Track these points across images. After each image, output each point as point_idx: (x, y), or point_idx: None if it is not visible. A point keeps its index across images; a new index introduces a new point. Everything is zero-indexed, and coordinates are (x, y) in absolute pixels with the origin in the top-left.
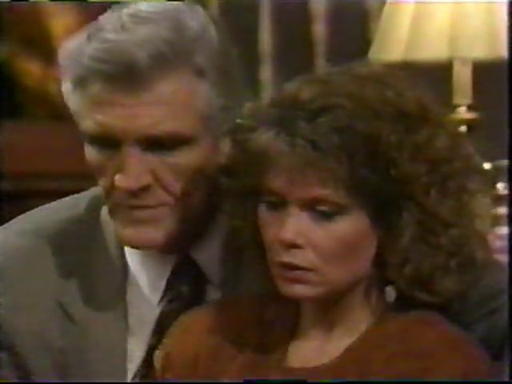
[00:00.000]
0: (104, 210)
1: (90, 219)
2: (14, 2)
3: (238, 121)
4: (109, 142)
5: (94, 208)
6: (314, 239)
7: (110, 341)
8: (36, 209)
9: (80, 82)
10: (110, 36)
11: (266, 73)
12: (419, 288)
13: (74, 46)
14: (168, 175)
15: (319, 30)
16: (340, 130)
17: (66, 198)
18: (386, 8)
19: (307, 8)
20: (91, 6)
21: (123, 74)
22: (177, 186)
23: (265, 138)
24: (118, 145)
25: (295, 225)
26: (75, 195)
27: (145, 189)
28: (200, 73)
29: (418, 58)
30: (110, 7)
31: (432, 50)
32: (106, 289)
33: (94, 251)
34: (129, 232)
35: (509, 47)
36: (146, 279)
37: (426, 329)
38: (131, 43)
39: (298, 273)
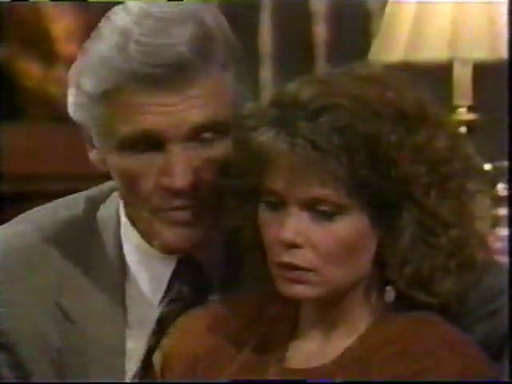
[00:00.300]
0: (101, 211)
1: (87, 220)
2: (14, 4)
3: (239, 120)
4: (151, 144)
5: (90, 209)
6: (313, 239)
7: (109, 341)
8: (34, 209)
9: (116, 90)
10: (148, 40)
11: (266, 73)
12: (419, 288)
13: (104, 55)
14: (206, 171)
15: (319, 30)
16: (340, 129)
17: (63, 199)
18: (387, 9)
19: (307, 9)
20: (91, 8)
21: (172, 74)
22: (211, 183)
23: (265, 137)
24: (161, 146)
25: (295, 224)
26: (71, 195)
27: (190, 188)
28: (224, 66)
29: (418, 58)
30: (110, 9)
31: (432, 51)
32: (105, 289)
33: (91, 252)
34: (170, 235)
35: (509, 48)
36: (146, 279)
37: (425, 329)
38: (176, 43)
39: (297, 273)
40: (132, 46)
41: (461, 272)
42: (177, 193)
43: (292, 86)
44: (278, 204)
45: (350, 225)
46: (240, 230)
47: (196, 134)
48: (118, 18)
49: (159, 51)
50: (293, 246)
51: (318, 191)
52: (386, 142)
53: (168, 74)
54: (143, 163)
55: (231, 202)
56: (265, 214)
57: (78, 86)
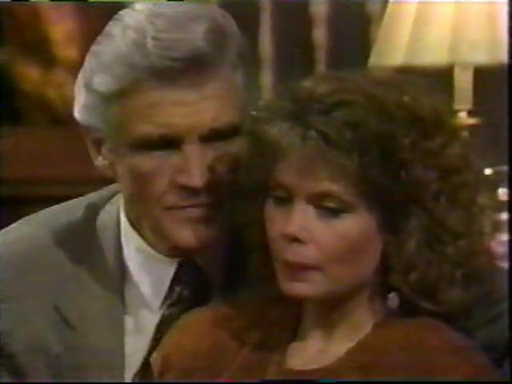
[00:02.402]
0: (101, 216)
1: (86, 224)
2: (13, 8)
3: (253, 112)
4: (168, 142)
5: (90, 214)
6: (317, 235)
7: (108, 346)
8: (33, 214)
9: (133, 87)
10: (164, 35)
11: (266, 78)
12: (424, 296)
13: (120, 53)
14: (220, 170)
15: (319, 35)
16: (354, 125)
17: (63, 204)
18: (387, 12)
19: (308, 13)
20: (91, 12)
21: (189, 68)
22: (225, 181)
23: (278, 130)
24: (178, 144)
25: (300, 219)
26: (71, 201)
27: (204, 186)
28: (234, 66)
29: (418, 62)
30: (110, 14)
31: (433, 55)
32: (104, 293)
33: (91, 256)
34: (181, 233)
35: (509, 52)
36: (147, 283)
37: (428, 335)
38: (192, 38)
39: (300, 271)
40: (149, 42)
41: (467, 283)
42: (193, 191)
43: (308, 81)
44: (286, 199)
45: (356, 224)
46: (246, 229)
47: (212, 135)
48: (129, 18)
49: (176, 45)
50: (296, 240)
51: (327, 186)
52: (398, 143)
53: (185, 68)
54: (158, 162)
55: (240, 199)
56: (271, 209)
57: (90, 88)
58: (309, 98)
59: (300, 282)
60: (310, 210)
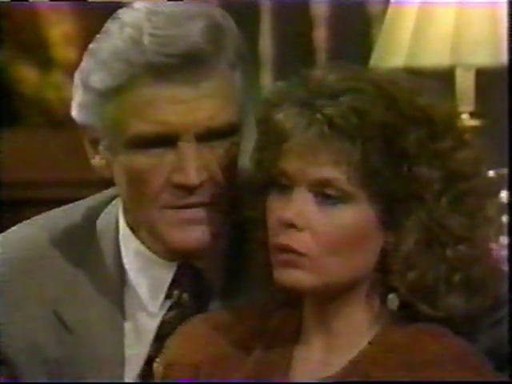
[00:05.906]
0: (100, 219)
1: (86, 228)
2: (11, 9)
3: (265, 97)
4: (164, 140)
5: (90, 217)
6: (314, 223)
7: (108, 350)
8: (32, 218)
9: (129, 84)
10: (161, 32)
11: (266, 78)
12: (422, 299)
13: (117, 49)
14: (218, 169)
15: (320, 35)
16: (359, 112)
17: (63, 207)
18: (388, 14)
19: (308, 13)
20: (89, 13)
21: (186, 65)
22: (223, 182)
23: (285, 114)
24: (174, 142)
25: (298, 206)
26: (72, 204)
27: (201, 185)
28: (233, 64)
29: (420, 64)
30: (109, 15)
31: (434, 57)
32: (103, 297)
33: (90, 260)
34: (177, 234)
35: (511, 54)
36: (146, 287)
37: (430, 341)
38: (190, 34)
39: (292, 256)
40: (146, 38)
41: (467, 290)
42: (189, 190)
43: (321, 69)
44: (288, 187)
45: (354, 215)
46: (253, 224)
47: (209, 134)
48: (127, 16)
49: (173, 42)
50: (292, 226)
51: (329, 172)
52: (403, 136)
53: (182, 65)
54: (154, 160)
55: (249, 192)
56: (273, 198)
57: (87, 86)
58: (319, 85)
59: (291, 269)
60: (310, 198)
